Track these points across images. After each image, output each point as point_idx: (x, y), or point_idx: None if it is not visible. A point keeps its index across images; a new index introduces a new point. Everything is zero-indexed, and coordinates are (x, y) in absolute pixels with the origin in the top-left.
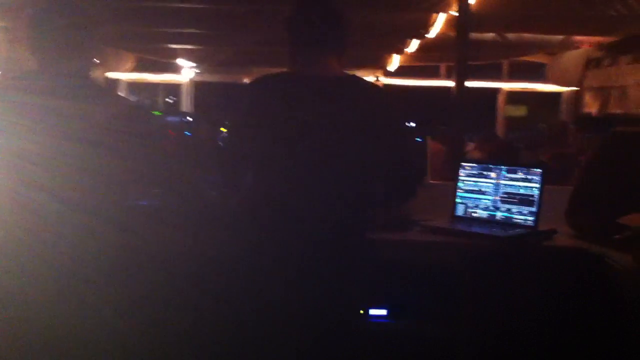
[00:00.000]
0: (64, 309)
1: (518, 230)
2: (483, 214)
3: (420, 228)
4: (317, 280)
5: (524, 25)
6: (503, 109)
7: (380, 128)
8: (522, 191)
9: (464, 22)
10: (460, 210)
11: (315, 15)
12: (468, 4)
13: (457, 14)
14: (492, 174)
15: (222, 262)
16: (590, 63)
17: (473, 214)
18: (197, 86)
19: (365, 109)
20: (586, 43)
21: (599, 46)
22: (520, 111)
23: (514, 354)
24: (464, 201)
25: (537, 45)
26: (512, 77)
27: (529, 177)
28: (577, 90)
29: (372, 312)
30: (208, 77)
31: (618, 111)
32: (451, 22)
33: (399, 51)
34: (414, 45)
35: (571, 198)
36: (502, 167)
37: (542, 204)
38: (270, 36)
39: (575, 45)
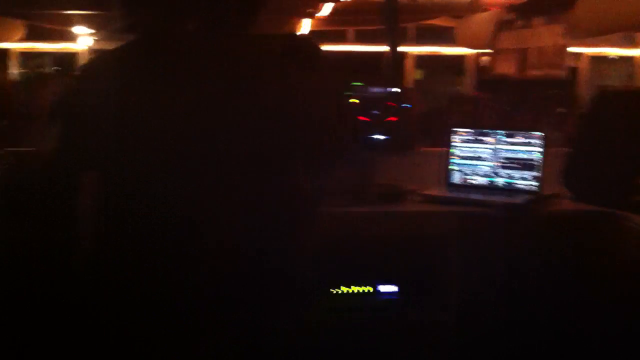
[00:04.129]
0: None
1: (527, 196)
2: (482, 180)
3: (421, 198)
4: None
5: None
6: (413, 73)
7: None
8: (523, 156)
9: None
10: (456, 178)
11: None
12: None
13: None
14: (490, 139)
15: None
16: (502, 25)
17: (471, 181)
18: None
19: None
20: (493, 5)
21: (509, 8)
22: (417, 75)
23: (530, 323)
24: (460, 168)
25: (444, 9)
26: (418, 42)
27: (530, 140)
28: (487, 53)
29: (382, 288)
30: (108, 45)
31: (536, 73)
32: None
33: (309, 15)
34: (326, 9)
35: (567, 160)
36: (500, 131)
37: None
38: None
39: (483, 8)
